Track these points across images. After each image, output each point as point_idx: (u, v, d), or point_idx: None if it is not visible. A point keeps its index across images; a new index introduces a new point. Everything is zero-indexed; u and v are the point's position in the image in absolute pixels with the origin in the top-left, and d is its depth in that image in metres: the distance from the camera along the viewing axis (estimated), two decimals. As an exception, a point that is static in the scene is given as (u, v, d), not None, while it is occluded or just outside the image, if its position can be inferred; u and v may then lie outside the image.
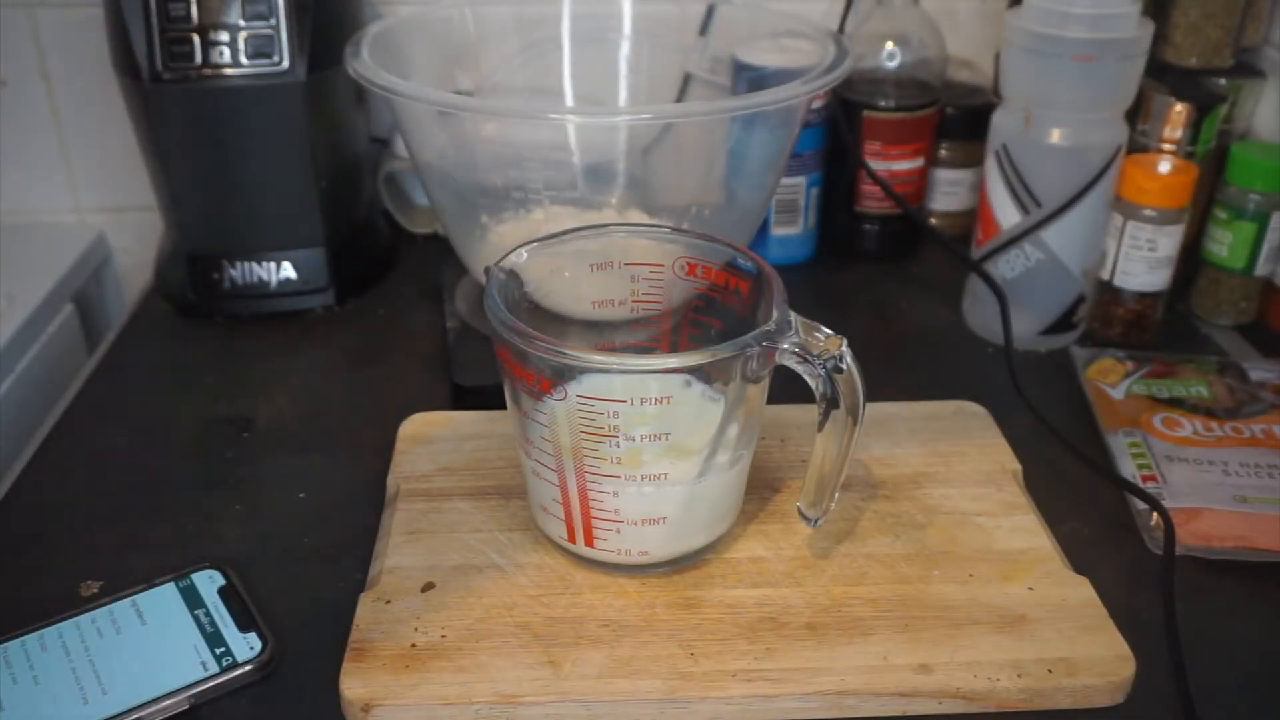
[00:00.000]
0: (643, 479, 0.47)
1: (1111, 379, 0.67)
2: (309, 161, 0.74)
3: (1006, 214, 0.70)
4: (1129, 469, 0.60)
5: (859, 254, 0.86)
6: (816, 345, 0.45)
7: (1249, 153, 0.73)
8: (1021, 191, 0.69)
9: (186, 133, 0.72)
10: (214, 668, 0.47)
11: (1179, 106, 0.73)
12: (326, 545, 0.55)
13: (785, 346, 0.45)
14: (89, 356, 0.77)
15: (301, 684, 0.48)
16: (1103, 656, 0.47)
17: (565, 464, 0.48)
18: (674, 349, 0.53)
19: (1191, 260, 0.77)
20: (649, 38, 0.79)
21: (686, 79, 0.79)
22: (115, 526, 0.57)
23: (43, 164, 0.89)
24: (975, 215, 0.74)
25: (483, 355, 0.67)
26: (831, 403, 0.46)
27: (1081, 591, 0.51)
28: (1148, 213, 0.70)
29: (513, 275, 0.50)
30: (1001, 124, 0.70)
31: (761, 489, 0.56)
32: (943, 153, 0.85)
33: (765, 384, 0.49)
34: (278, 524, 0.57)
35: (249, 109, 0.71)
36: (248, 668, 0.47)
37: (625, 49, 0.79)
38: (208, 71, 0.69)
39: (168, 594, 0.51)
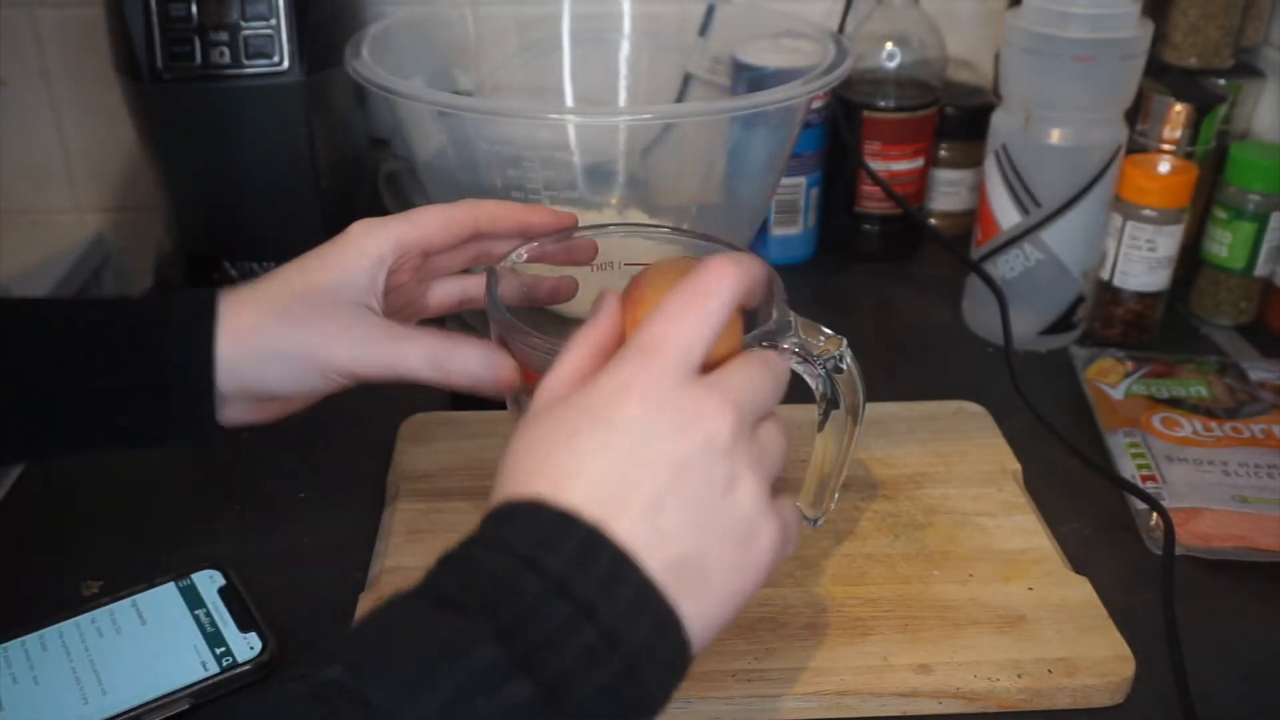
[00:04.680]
0: (643, 479, 0.47)
1: (1111, 379, 0.67)
2: (309, 161, 0.73)
3: (1006, 214, 0.70)
4: (1129, 469, 0.60)
5: (859, 254, 0.86)
6: (816, 345, 0.45)
7: (1249, 153, 0.73)
8: (1021, 191, 0.69)
9: (186, 133, 0.72)
10: (214, 668, 0.47)
11: (1179, 106, 0.73)
12: (326, 545, 0.55)
13: (785, 346, 0.45)
14: (89, 356, 0.77)
15: (301, 684, 0.47)
16: (1103, 656, 0.47)
17: (565, 464, 0.48)
18: (674, 349, 0.53)
19: (1191, 260, 0.77)
20: (649, 38, 0.79)
21: (686, 79, 0.79)
22: (115, 526, 0.57)
23: (43, 164, 0.89)
24: (975, 215, 0.74)
25: (483, 355, 0.67)
26: (831, 403, 0.46)
27: (1081, 591, 0.51)
28: (1147, 213, 0.70)
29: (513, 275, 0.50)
30: (1001, 124, 0.70)
31: (761, 489, 0.56)
32: (943, 153, 0.85)
33: (765, 384, 0.48)
34: (278, 524, 0.57)
35: (249, 109, 0.71)
36: (248, 668, 0.47)
37: (625, 49, 0.79)
38: (208, 72, 0.69)
39: (168, 594, 0.51)
